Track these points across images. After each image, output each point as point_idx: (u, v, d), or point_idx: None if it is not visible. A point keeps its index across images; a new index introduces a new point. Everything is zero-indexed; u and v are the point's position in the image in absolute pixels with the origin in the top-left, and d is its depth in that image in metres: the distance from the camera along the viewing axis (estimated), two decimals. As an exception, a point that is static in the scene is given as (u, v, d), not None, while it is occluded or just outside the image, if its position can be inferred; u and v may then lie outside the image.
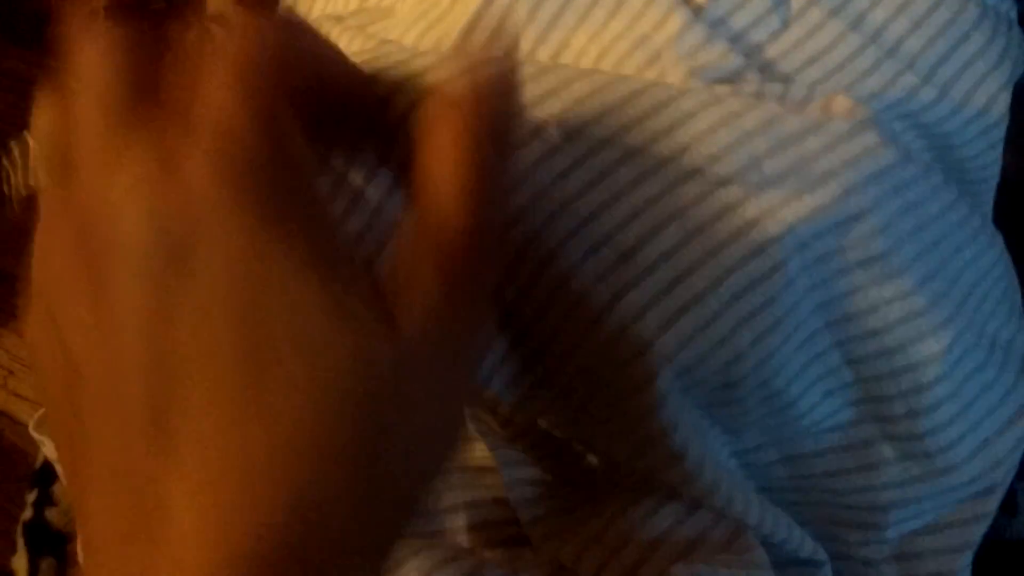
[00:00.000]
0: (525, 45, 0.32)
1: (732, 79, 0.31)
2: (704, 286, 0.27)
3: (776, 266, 0.28)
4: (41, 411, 0.39)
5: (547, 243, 0.28)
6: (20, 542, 0.45)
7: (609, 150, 0.28)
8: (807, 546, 0.31)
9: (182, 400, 0.19)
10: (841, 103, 0.30)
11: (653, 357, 0.28)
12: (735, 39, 0.32)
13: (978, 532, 0.33)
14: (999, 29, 0.34)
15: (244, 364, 0.19)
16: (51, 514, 0.45)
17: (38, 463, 0.47)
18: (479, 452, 0.34)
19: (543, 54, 0.32)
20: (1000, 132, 0.35)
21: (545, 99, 0.28)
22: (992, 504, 0.33)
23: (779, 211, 0.28)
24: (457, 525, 0.32)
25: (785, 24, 0.32)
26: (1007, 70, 0.34)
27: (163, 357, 0.19)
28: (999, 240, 0.33)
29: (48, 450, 0.40)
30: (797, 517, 0.32)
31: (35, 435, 0.41)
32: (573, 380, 0.29)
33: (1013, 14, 0.36)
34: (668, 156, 0.28)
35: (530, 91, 0.28)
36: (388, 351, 0.20)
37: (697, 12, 0.32)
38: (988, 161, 0.35)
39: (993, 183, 0.36)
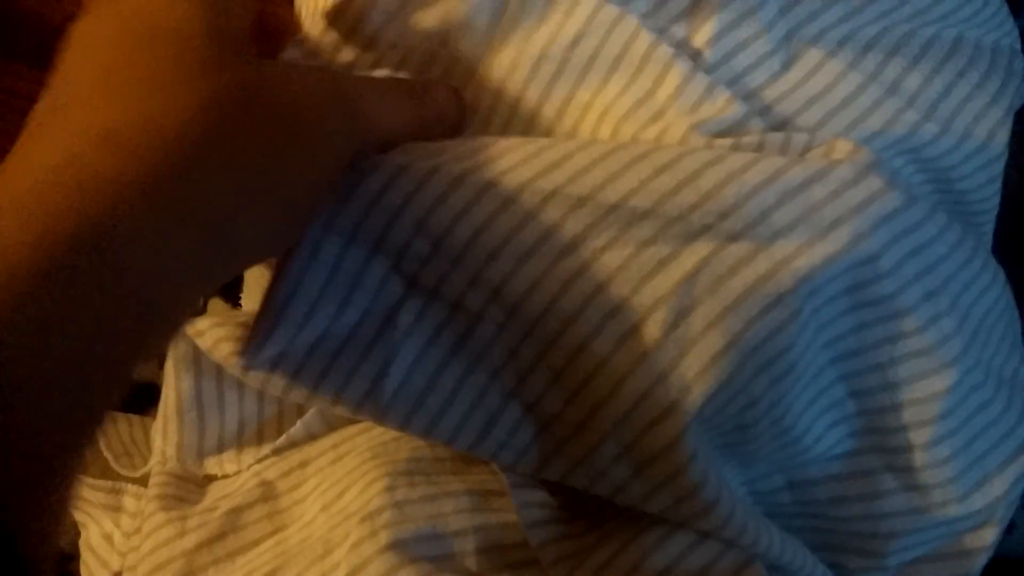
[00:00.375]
0: (529, 103, 0.33)
1: (735, 130, 0.31)
2: (725, 342, 0.28)
3: (792, 315, 0.28)
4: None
5: (564, 310, 0.29)
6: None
7: (617, 215, 0.28)
8: (819, 571, 0.32)
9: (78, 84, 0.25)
10: (842, 147, 0.30)
11: (679, 416, 0.28)
12: (734, 82, 0.32)
13: (977, 564, 0.34)
14: (995, 64, 0.35)
15: (123, 49, 0.25)
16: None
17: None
18: (486, 476, 0.34)
19: (549, 111, 0.33)
20: (1000, 166, 0.35)
21: (550, 171, 0.29)
22: (991, 537, 0.33)
23: (792, 262, 0.28)
24: (466, 549, 0.32)
25: (786, 66, 0.33)
26: (1006, 104, 0.35)
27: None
28: (1001, 274, 0.33)
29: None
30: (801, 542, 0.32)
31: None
32: (595, 445, 0.30)
33: (1019, 45, 0.36)
34: (677, 216, 0.28)
35: (535, 165, 0.29)
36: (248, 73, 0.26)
37: (696, 58, 0.32)
38: (988, 194, 0.36)
39: (993, 214, 0.37)
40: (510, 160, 0.29)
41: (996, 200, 0.36)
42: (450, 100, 0.33)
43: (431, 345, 0.31)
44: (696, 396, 0.28)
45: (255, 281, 0.41)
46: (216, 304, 0.49)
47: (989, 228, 0.37)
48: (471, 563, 0.32)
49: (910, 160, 0.33)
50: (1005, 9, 0.36)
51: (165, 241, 0.23)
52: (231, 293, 0.48)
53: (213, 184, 0.24)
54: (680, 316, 0.28)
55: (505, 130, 0.33)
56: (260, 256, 0.29)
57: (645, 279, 0.28)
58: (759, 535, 0.30)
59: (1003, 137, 0.34)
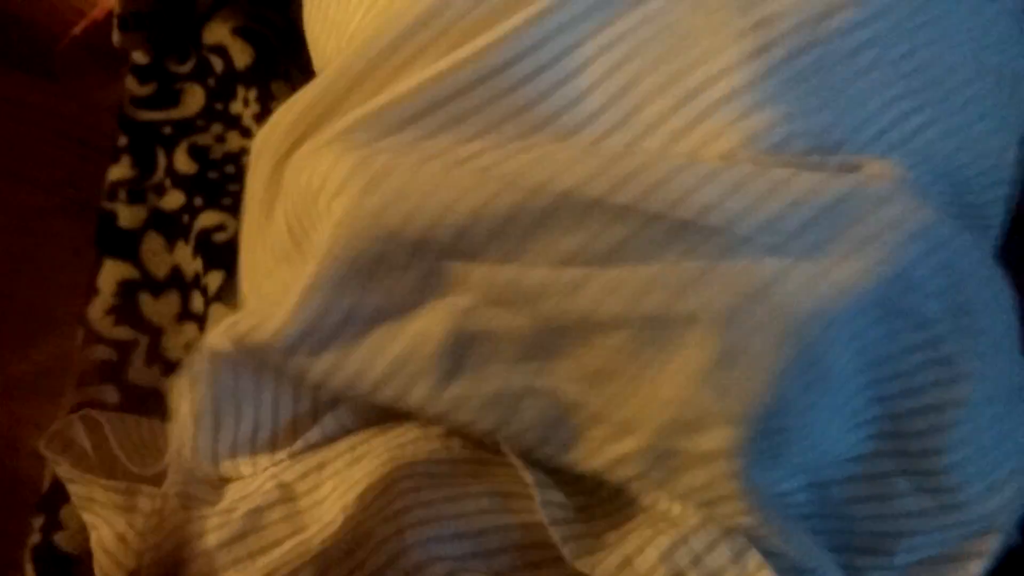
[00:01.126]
0: (590, 78, 0.33)
1: (779, 149, 0.32)
2: (764, 350, 0.29)
3: (827, 325, 0.29)
4: (51, 429, 0.40)
5: (603, 316, 0.30)
6: (28, 567, 0.44)
7: (659, 224, 0.29)
8: (832, 572, 0.33)
9: None
10: (877, 164, 0.31)
11: (720, 420, 0.29)
12: (788, 85, 0.33)
13: (977, 568, 0.35)
14: (1003, 87, 0.36)
15: None
16: (59, 538, 0.44)
17: (44, 488, 0.46)
18: (505, 478, 0.35)
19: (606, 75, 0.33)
20: (1008, 184, 0.37)
21: (594, 178, 0.30)
22: (992, 544, 0.35)
23: (829, 273, 0.29)
24: (488, 548, 0.33)
25: (830, 74, 0.33)
26: (1016, 127, 0.37)
27: None
28: (1010, 291, 0.35)
29: (62, 470, 0.40)
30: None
31: (45, 452, 0.41)
32: (641, 448, 0.31)
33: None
34: (719, 227, 0.29)
35: (578, 172, 0.30)
36: None
37: (759, 62, 0.32)
38: (996, 211, 0.37)
39: (996, 230, 0.38)
40: (555, 166, 0.30)
41: (1001, 217, 0.38)
42: None
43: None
44: (735, 400, 0.29)
45: (264, 269, 0.41)
46: (218, 310, 0.49)
47: (993, 243, 0.38)
48: (494, 562, 0.33)
49: (927, 171, 0.34)
50: (1014, 33, 0.38)
51: None
52: (234, 298, 0.48)
53: None
54: (721, 324, 0.29)
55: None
56: None
57: (686, 288, 0.29)
58: (786, 534, 0.31)
59: (1011, 156, 0.36)
